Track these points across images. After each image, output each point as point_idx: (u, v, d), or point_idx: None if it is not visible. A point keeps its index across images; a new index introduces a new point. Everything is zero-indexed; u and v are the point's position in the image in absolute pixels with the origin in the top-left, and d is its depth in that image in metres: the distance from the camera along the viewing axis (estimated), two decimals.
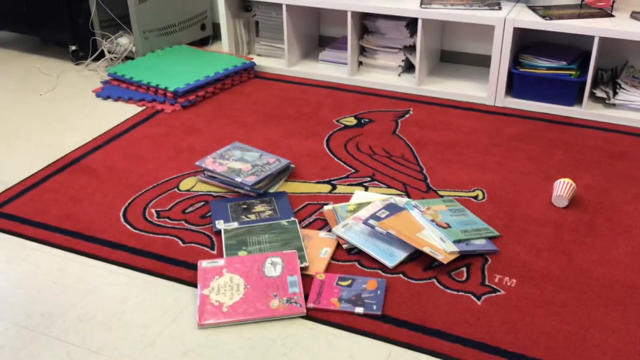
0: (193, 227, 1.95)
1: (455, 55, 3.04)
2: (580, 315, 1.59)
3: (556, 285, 1.69)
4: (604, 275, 1.73)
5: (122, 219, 2.00)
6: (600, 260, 1.78)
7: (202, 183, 2.18)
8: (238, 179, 2.08)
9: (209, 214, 2.01)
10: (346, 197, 2.08)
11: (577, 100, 2.61)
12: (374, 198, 2.04)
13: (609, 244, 1.85)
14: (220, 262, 1.73)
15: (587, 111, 2.57)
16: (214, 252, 1.84)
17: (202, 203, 2.07)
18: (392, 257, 1.77)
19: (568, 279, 1.72)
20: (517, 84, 2.67)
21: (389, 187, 2.14)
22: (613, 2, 2.56)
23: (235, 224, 1.93)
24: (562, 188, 2.01)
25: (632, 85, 2.56)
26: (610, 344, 1.51)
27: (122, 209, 2.05)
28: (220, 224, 1.93)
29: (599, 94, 2.60)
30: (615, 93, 2.57)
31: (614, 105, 2.58)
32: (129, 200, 2.09)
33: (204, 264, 1.73)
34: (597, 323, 1.57)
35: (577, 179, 2.15)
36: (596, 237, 1.88)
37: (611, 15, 2.53)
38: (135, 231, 1.93)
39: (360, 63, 3.01)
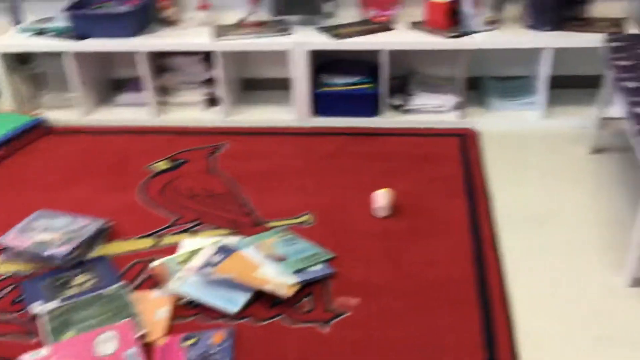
0: (4, 317, 1.71)
1: (257, 82, 3.06)
2: (420, 320, 1.66)
3: (393, 295, 1.75)
4: (432, 275, 1.82)
5: None
6: (426, 261, 1.88)
7: (7, 263, 1.94)
8: (48, 252, 1.88)
9: (22, 297, 1.79)
10: (174, 248, 1.98)
11: (378, 111, 2.75)
12: (204, 243, 1.95)
13: (430, 244, 1.96)
14: (44, 351, 1.54)
15: (388, 120, 2.72)
16: (35, 341, 1.63)
17: (12, 286, 1.84)
18: (233, 302, 1.71)
19: (402, 286, 1.79)
20: (320, 103, 2.75)
21: (217, 227, 2.07)
22: (392, 15, 2.75)
23: (54, 303, 1.73)
24: (380, 199, 2.10)
25: (421, 90, 2.76)
26: (452, 341, 1.59)
27: None
28: (36, 307, 1.72)
29: (395, 102, 2.78)
30: (408, 99, 2.76)
31: (410, 110, 2.77)
32: None
33: (25, 358, 1.52)
34: (435, 324, 1.65)
35: (392, 186, 2.26)
36: (418, 240, 1.98)
37: (392, 29, 2.71)
38: None
39: (164, 102, 2.90)
